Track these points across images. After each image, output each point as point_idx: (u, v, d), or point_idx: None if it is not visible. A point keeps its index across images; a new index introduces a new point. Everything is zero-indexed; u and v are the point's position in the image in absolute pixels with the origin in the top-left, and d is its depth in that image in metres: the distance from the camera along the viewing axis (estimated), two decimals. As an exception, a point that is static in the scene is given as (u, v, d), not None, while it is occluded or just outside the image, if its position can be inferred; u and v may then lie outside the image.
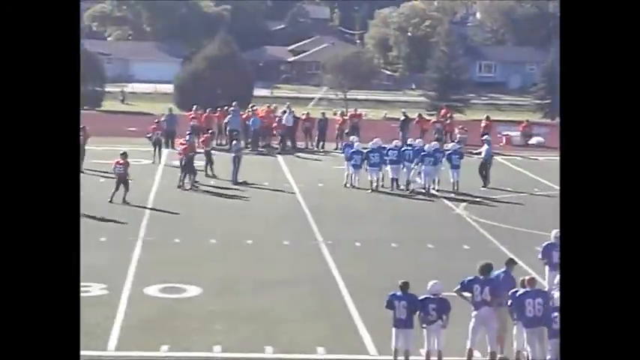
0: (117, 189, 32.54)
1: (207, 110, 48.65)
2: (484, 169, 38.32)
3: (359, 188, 36.36)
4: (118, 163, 33.31)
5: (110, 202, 32.11)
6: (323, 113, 50.36)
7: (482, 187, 37.47)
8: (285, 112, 48.89)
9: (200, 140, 40.42)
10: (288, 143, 47.92)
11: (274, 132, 48.24)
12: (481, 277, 17.57)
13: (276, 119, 48.52)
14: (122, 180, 32.78)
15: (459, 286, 17.75)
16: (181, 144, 37.07)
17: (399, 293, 17.26)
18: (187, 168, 35.95)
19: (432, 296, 17.18)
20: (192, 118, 47.56)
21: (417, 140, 39.27)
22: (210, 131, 43.64)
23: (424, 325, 17.16)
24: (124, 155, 33.50)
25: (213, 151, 39.65)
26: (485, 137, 41.45)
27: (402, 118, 50.74)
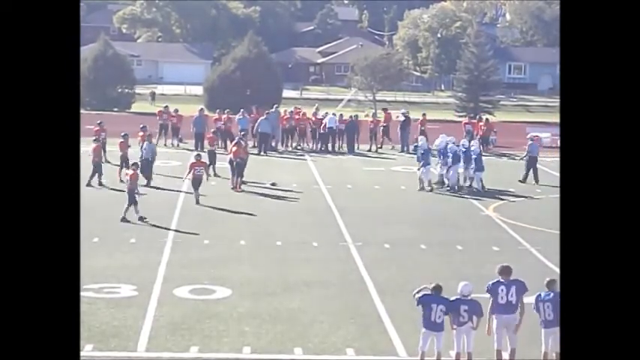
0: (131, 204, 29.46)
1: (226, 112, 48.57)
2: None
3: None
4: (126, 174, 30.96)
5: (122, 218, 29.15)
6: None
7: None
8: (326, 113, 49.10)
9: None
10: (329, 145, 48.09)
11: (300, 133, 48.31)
12: (502, 279, 17.46)
13: (318, 121, 48.53)
14: (129, 193, 29.61)
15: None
16: (233, 146, 36.68)
17: (433, 295, 17.14)
18: (238, 171, 35.75)
19: (462, 297, 17.11)
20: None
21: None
22: (212, 131, 43.12)
23: (454, 327, 17.09)
24: (135, 165, 31.43)
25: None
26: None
27: (402, 118, 49.92)
